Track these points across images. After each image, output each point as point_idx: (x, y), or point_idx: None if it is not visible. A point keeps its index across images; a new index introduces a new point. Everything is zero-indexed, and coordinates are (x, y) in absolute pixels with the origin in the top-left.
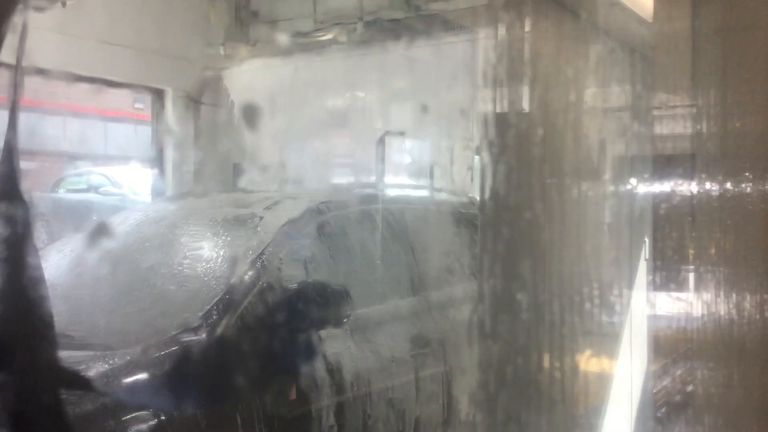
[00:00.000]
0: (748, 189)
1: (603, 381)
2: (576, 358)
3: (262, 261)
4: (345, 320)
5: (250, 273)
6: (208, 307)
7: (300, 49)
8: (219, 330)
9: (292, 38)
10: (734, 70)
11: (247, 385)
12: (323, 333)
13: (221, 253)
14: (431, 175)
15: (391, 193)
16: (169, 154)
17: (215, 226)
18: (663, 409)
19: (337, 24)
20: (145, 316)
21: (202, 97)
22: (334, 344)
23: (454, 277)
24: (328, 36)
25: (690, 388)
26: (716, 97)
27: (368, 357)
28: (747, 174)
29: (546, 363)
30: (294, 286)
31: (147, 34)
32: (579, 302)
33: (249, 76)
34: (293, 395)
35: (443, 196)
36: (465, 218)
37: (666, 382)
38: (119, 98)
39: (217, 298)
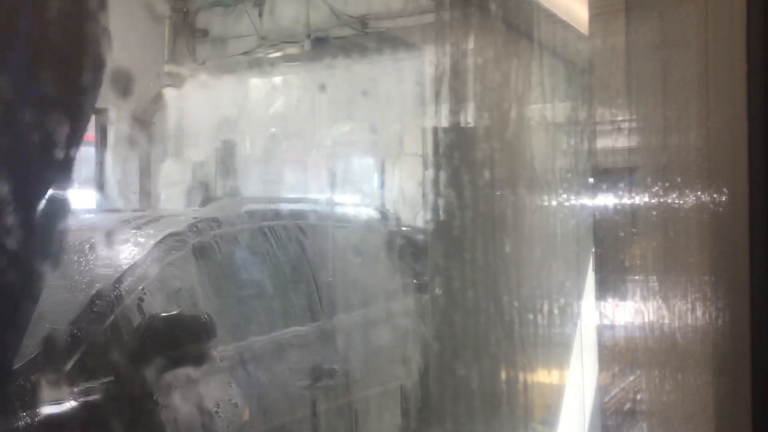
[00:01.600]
0: (687, 200)
1: (556, 391)
2: (528, 370)
3: (118, 292)
4: (212, 356)
5: (98, 307)
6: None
7: (248, 67)
8: (56, 373)
9: (241, 56)
10: (671, 86)
11: None
12: (196, 371)
13: (69, 283)
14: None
15: (303, 208)
16: (114, 174)
17: (68, 251)
18: (613, 418)
19: (285, 42)
20: None
21: (149, 116)
22: (211, 382)
23: (369, 297)
24: (277, 54)
25: (635, 395)
26: (655, 111)
27: (254, 393)
28: (685, 186)
29: (500, 376)
30: (151, 319)
31: None
32: (530, 314)
33: (197, 95)
34: (246, 415)
35: (358, 211)
36: (381, 233)
37: (614, 390)
38: None
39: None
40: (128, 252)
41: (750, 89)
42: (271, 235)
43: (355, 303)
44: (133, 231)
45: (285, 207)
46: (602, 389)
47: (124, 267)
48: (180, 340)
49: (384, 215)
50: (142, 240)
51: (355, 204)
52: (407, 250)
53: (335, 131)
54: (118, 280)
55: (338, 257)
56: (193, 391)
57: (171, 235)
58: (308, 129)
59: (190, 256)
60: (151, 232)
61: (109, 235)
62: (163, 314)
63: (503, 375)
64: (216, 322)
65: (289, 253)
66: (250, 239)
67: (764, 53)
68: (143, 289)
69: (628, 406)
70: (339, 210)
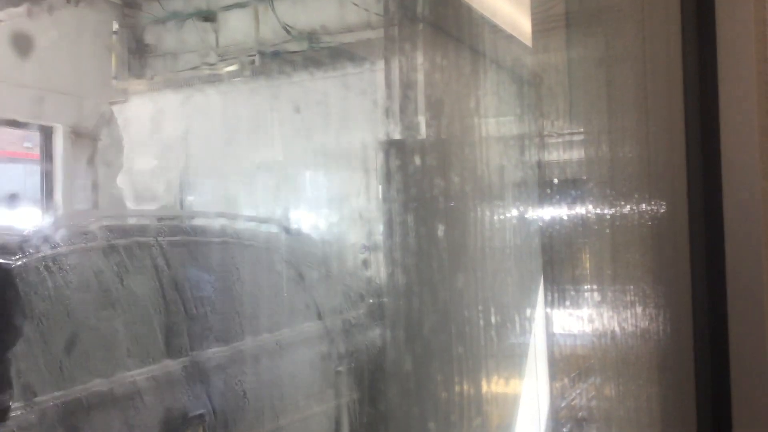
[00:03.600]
0: (633, 209)
1: (512, 402)
2: (482, 382)
3: None
4: (7, 412)
5: None
6: None
7: (197, 82)
8: None
9: (190, 71)
10: (616, 99)
11: None
12: None
13: None
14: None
15: (182, 224)
16: (59, 193)
17: None
18: (567, 426)
19: (235, 57)
20: None
21: (96, 132)
22: None
23: (257, 326)
24: (226, 69)
25: (584, 402)
26: (598, 123)
27: None
28: (631, 195)
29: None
30: None
31: (36, 69)
32: (483, 326)
33: (144, 110)
34: None
35: (264, 227)
36: (285, 251)
37: (566, 399)
38: (6, 137)
39: None
40: None
41: (686, 99)
42: (125, 256)
43: (237, 333)
44: None
45: (157, 222)
46: (555, 398)
47: None
48: None
49: (290, 231)
50: None
51: (264, 220)
52: (322, 270)
53: (283, 145)
54: None
55: (223, 280)
56: None
57: None
58: (255, 144)
59: (33, 280)
60: None
61: None
62: None
63: (444, 393)
64: (7, 369)
65: (148, 277)
66: (96, 260)
67: (699, 66)
68: None
69: (573, 412)
70: (237, 226)
